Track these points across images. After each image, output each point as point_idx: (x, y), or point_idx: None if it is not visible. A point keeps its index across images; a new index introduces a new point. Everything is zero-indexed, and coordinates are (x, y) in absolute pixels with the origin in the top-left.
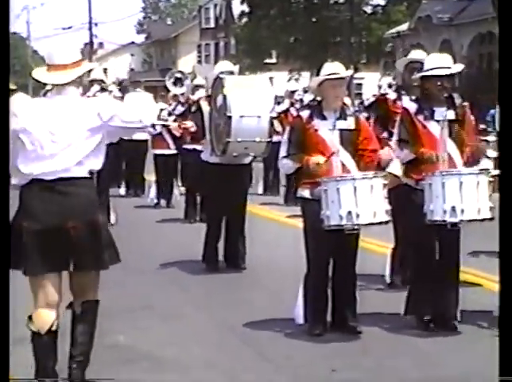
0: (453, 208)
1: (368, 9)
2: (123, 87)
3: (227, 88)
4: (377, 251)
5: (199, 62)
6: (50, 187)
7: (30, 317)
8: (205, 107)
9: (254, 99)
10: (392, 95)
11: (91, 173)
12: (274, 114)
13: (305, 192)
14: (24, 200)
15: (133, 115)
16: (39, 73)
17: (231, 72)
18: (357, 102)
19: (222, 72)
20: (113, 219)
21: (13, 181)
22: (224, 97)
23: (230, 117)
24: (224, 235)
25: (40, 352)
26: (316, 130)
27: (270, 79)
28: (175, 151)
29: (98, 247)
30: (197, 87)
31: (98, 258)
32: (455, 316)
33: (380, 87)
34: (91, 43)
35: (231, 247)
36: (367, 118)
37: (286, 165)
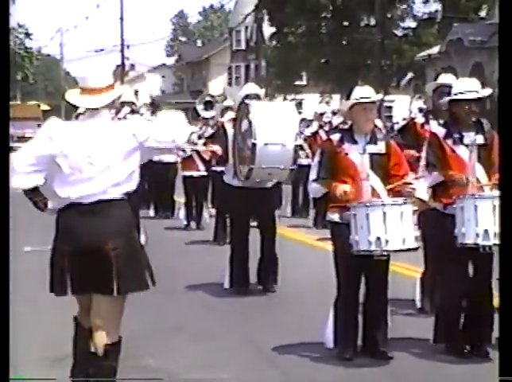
0: (486, 232)
1: (399, 32)
2: (155, 105)
3: (253, 114)
4: (407, 275)
5: (230, 84)
6: (89, 210)
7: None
8: (229, 129)
9: (279, 127)
10: (420, 120)
11: (127, 194)
12: (299, 142)
13: (335, 216)
14: (62, 225)
15: (166, 135)
16: (72, 96)
17: (257, 95)
18: (388, 125)
19: (248, 95)
20: (143, 240)
21: (50, 205)
22: (250, 123)
23: (255, 144)
24: (259, 258)
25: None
26: (347, 154)
27: (300, 101)
28: (204, 173)
29: (138, 268)
30: (227, 109)
31: (140, 278)
32: (489, 342)
33: (410, 111)
34: (123, 65)
35: (264, 270)
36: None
37: (315, 189)
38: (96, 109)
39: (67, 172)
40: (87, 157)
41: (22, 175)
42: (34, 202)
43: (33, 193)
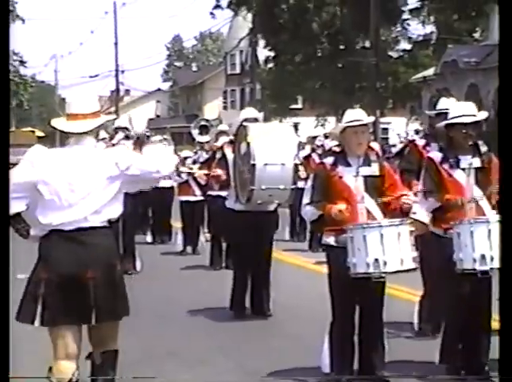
0: (483, 256)
1: (394, 54)
2: (140, 142)
3: (251, 136)
4: (405, 298)
5: (225, 108)
6: (69, 237)
7: (50, 369)
8: (229, 153)
9: (278, 147)
10: (420, 142)
11: (109, 222)
12: (298, 161)
13: (330, 240)
14: (43, 252)
15: (150, 165)
16: (58, 122)
17: (256, 119)
18: (385, 147)
19: (246, 119)
20: (138, 266)
21: (32, 231)
22: (248, 145)
23: (254, 165)
24: (250, 282)
25: None
26: (341, 177)
27: (296, 124)
28: (201, 198)
29: (114, 298)
30: (221, 133)
31: (114, 309)
32: (488, 364)
33: (407, 133)
34: (118, 90)
35: (257, 294)
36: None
37: (309, 213)
38: (81, 135)
39: (48, 198)
40: (67, 183)
41: None
42: (16, 229)
43: (15, 220)
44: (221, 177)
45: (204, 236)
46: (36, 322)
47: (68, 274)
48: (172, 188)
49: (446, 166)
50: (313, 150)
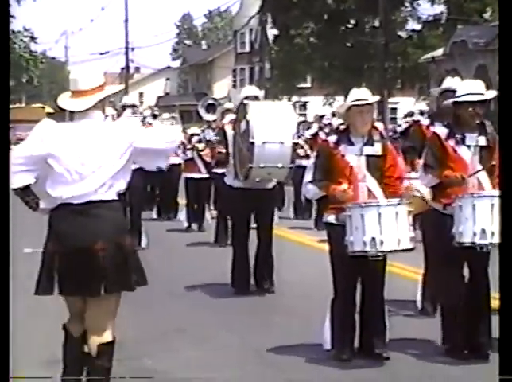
0: (483, 231)
1: (403, 34)
2: (153, 115)
3: (250, 114)
4: (408, 276)
5: (234, 86)
6: (79, 210)
7: (64, 326)
8: (229, 131)
9: (277, 126)
10: (424, 122)
11: (118, 195)
12: (297, 140)
13: (331, 218)
14: (53, 225)
15: (157, 138)
16: (63, 100)
17: (256, 97)
18: (390, 127)
19: (247, 97)
20: (144, 242)
21: (42, 204)
22: (247, 123)
23: (252, 143)
24: (254, 259)
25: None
26: (343, 156)
27: (305, 103)
28: (206, 175)
29: (125, 270)
30: (227, 111)
31: (125, 280)
32: (487, 343)
33: (413, 113)
34: (128, 67)
35: (260, 270)
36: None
37: (312, 191)
38: (85, 111)
39: (58, 172)
40: (78, 157)
41: (12, 175)
42: (26, 202)
43: (24, 193)
44: (223, 155)
45: (210, 213)
46: (55, 292)
47: (79, 247)
48: (179, 165)
49: (451, 142)
50: (320, 129)
